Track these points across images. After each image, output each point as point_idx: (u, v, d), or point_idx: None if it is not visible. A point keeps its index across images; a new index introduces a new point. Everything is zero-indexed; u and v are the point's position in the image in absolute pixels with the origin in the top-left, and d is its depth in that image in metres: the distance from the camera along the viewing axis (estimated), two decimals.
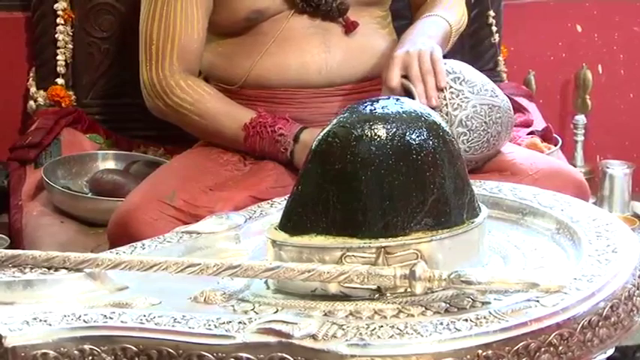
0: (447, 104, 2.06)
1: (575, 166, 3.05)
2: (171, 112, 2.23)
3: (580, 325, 1.37)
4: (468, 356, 1.31)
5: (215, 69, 2.30)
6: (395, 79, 2.09)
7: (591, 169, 3.15)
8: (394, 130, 1.46)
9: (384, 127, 1.47)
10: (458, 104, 2.07)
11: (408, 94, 2.05)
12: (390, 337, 1.32)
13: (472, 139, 2.07)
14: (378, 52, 2.29)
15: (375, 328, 1.33)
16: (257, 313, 1.42)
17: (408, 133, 1.47)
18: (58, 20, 2.70)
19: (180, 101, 2.21)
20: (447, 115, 2.05)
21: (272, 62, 2.24)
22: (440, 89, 2.07)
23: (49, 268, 1.54)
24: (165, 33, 2.21)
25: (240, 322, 1.36)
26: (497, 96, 2.13)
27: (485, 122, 2.08)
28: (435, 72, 2.07)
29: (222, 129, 2.21)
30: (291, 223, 1.49)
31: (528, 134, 2.70)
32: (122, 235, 1.97)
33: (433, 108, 1.95)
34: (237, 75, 2.26)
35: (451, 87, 2.08)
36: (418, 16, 2.30)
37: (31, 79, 2.78)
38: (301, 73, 2.23)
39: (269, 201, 1.82)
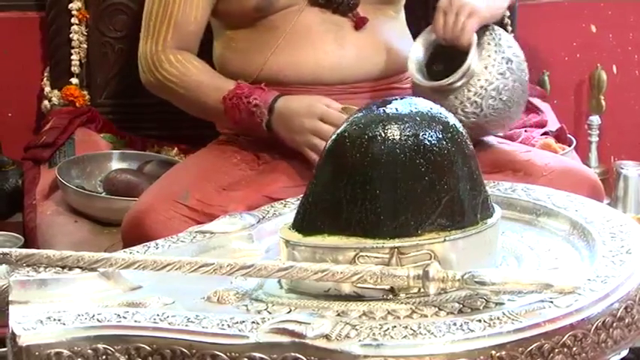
0: (502, 47, 2.14)
1: (589, 166, 3.04)
2: (160, 85, 2.24)
3: (594, 326, 1.37)
4: (482, 357, 1.31)
5: (228, 63, 2.30)
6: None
7: (605, 169, 3.14)
8: (408, 130, 1.46)
9: (398, 127, 1.46)
10: (512, 55, 2.15)
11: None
12: (404, 337, 1.32)
13: (508, 89, 2.14)
14: (391, 51, 2.29)
15: (388, 329, 1.33)
16: (270, 313, 1.42)
17: (421, 134, 1.46)
18: (73, 20, 2.71)
19: (167, 74, 2.21)
20: (497, 52, 2.13)
21: (285, 58, 2.23)
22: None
23: (63, 268, 1.54)
24: (163, 11, 2.23)
25: (253, 322, 1.37)
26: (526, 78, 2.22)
27: (521, 84, 2.17)
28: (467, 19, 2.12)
29: (206, 101, 2.19)
30: (305, 223, 1.49)
31: (542, 135, 2.69)
32: (136, 234, 1.97)
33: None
34: (250, 70, 2.25)
35: (508, 41, 2.17)
36: None
37: (45, 78, 2.78)
38: (315, 69, 2.23)
39: (282, 201, 1.82)
